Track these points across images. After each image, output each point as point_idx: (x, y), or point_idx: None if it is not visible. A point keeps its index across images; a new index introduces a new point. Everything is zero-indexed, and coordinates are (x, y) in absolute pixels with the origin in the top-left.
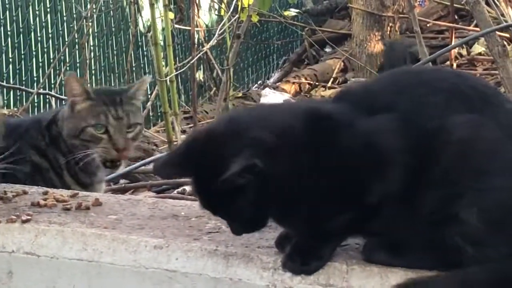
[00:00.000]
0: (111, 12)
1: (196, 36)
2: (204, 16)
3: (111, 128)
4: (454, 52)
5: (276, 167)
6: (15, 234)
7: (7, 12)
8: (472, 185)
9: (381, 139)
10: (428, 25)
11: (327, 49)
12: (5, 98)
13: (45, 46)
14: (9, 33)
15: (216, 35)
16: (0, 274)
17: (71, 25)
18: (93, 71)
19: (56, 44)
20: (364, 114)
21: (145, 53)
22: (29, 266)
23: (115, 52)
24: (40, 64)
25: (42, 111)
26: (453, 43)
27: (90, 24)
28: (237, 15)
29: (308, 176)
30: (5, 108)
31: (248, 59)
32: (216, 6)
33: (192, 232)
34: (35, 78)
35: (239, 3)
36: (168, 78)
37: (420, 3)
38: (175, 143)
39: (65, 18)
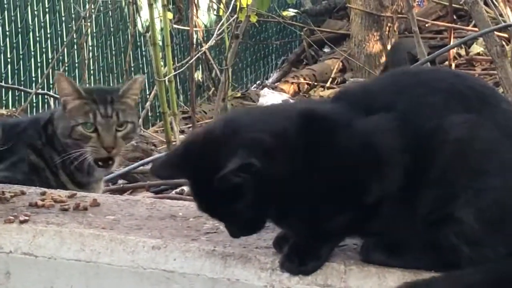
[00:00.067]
0: (110, 12)
1: (195, 36)
2: (202, 16)
3: (100, 127)
4: (453, 52)
5: (274, 167)
6: (13, 234)
7: (6, 12)
8: (469, 185)
9: (379, 139)
10: (426, 25)
11: (326, 49)
12: (3, 98)
13: (43, 46)
14: (7, 33)
15: (215, 35)
16: None
17: (70, 25)
18: (91, 71)
19: (55, 44)
20: (362, 114)
21: (143, 53)
22: (27, 266)
23: (113, 52)
24: (39, 64)
25: (40, 111)
26: (451, 43)
27: (88, 24)
28: (235, 15)
29: (306, 176)
30: (3, 108)
31: (247, 59)
32: (215, 6)
33: (190, 232)
34: (33, 78)
35: (238, 3)
36: (166, 78)
37: (419, 3)
38: (174, 143)
39: (63, 18)
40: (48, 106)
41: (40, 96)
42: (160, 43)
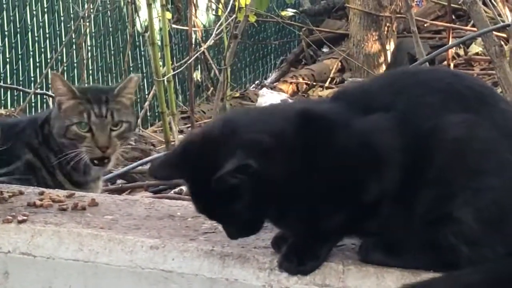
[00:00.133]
0: (109, 12)
1: (194, 36)
2: (201, 16)
3: (94, 126)
4: (452, 52)
5: (272, 168)
6: (11, 234)
7: (4, 12)
8: (468, 185)
9: (377, 138)
10: (425, 25)
11: (325, 49)
12: (2, 98)
13: (42, 46)
14: (6, 33)
15: (214, 35)
16: None
17: (69, 25)
18: (90, 71)
19: (54, 44)
20: (360, 114)
21: (142, 53)
22: (25, 266)
23: (112, 52)
24: (38, 64)
25: (39, 111)
26: (450, 43)
27: (87, 24)
28: (234, 15)
29: (304, 176)
30: (2, 108)
31: (246, 59)
32: (214, 6)
33: (188, 232)
34: (32, 78)
35: (237, 3)
36: (165, 78)
37: (418, 3)
38: (173, 143)
39: (62, 18)
40: (47, 106)
41: (38, 96)
42: (159, 43)
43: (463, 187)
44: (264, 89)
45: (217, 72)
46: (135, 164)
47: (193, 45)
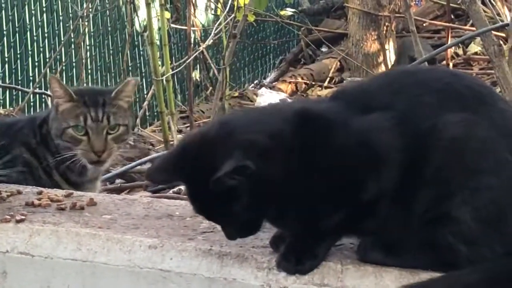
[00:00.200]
0: (107, 11)
1: (192, 35)
2: (200, 16)
3: (90, 130)
4: (451, 51)
5: (270, 168)
6: (9, 234)
7: (3, 11)
8: (466, 184)
9: (376, 137)
10: (424, 24)
11: (324, 49)
12: (1, 97)
13: (41, 45)
14: (5, 32)
15: (212, 34)
16: None
17: (67, 25)
18: (89, 71)
19: (52, 44)
20: (359, 113)
21: (141, 52)
22: (23, 266)
23: (111, 51)
24: (36, 63)
25: (38, 110)
26: (449, 43)
27: (86, 23)
28: (233, 15)
29: (302, 176)
30: (1, 107)
31: (245, 58)
32: (213, 6)
33: (186, 232)
34: (31, 78)
35: (235, 3)
36: (164, 77)
37: (417, 2)
38: (171, 142)
39: (61, 18)
40: (46, 106)
41: (37, 95)
42: (158, 43)
43: (461, 186)
44: (263, 88)
45: (216, 71)
46: (134, 163)
47: (192, 45)
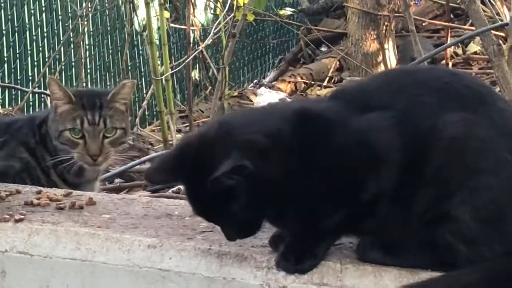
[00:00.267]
0: (107, 11)
1: (192, 35)
2: (199, 15)
3: (86, 134)
4: (450, 51)
5: (268, 168)
6: (8, 233)
7: (2, 11)
8: (465, 184)
9: (375, 136)
10: (423, 24)
11: (323, 48)
12: (0, 97)
13: (40, 45)
14: (4, 32)
15: (212, 34)
16: None
17: (66, 24)
18: (88, 70)
19: (51, 43)
20: (358, 113)
21: (140, 52)
22: (22, 265)
23: (110, 51)
24: (35, 63)
25: (37, 110)
26: (448, 42)
27: (85, 23)
28: (232, 14)
29: (301, 175)
30: (0, 107)
31: (244, 58)
32: (212, 5)
33: (185, 231)
34: (30, 77)
35: (235, 2)
36: (163, 77)
37: (416, 2)
38: (171, 142)
39: (60, 17)
40: (45, 105)
41: (36, 95)
42: (157, 42)
43: (461, 186)
44: (263, 88)
45: (215, 71)
46: (133, 163)
47: (191, 44)
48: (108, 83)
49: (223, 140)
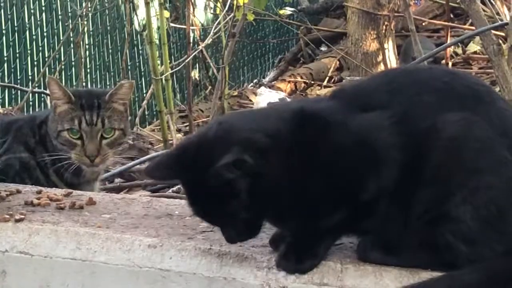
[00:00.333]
0: (106, 10)
1: (192, 34)
2: (199, 15)
3: (84, 134)
4: (450, 50)
5: (268, 167)
6: (9, 233)
7: (2, 10)
8: (465, 183)
9: (375, 136)
10: (423, 23)
11: (323, 48)
12: (0, 96)
13: (40, 44)
14: (4, 31)
15: (212, 33)
16: None
17: (66, 24)
18: (88, 70)
19: (51, 43)
20: (358, 112)
21: (140, 51)
22: (22, 265)
23: (110, 50)
24: (35, 62)
25: (37, 109)
26: (448, 42)
27: (85, 22)
28: (232, 14)
29: (301, 175)
30: (0, 106)
31: (244, 58)
32: (212, 5)
33: (186, 231)
34: (30, 77)
35: (235, 2)
36: (163, 76)
37: (416, 1)
38: (171, 141)
39: (60, 17)
40: (45, 105)
41: (36, 94)
42: (157, 42)
43: (460, 185)
44: (262, 87)
45: (215, 70)
46: (133, 162)
47: (191, 44)
48: (108, 83)
49: (223, 139)
